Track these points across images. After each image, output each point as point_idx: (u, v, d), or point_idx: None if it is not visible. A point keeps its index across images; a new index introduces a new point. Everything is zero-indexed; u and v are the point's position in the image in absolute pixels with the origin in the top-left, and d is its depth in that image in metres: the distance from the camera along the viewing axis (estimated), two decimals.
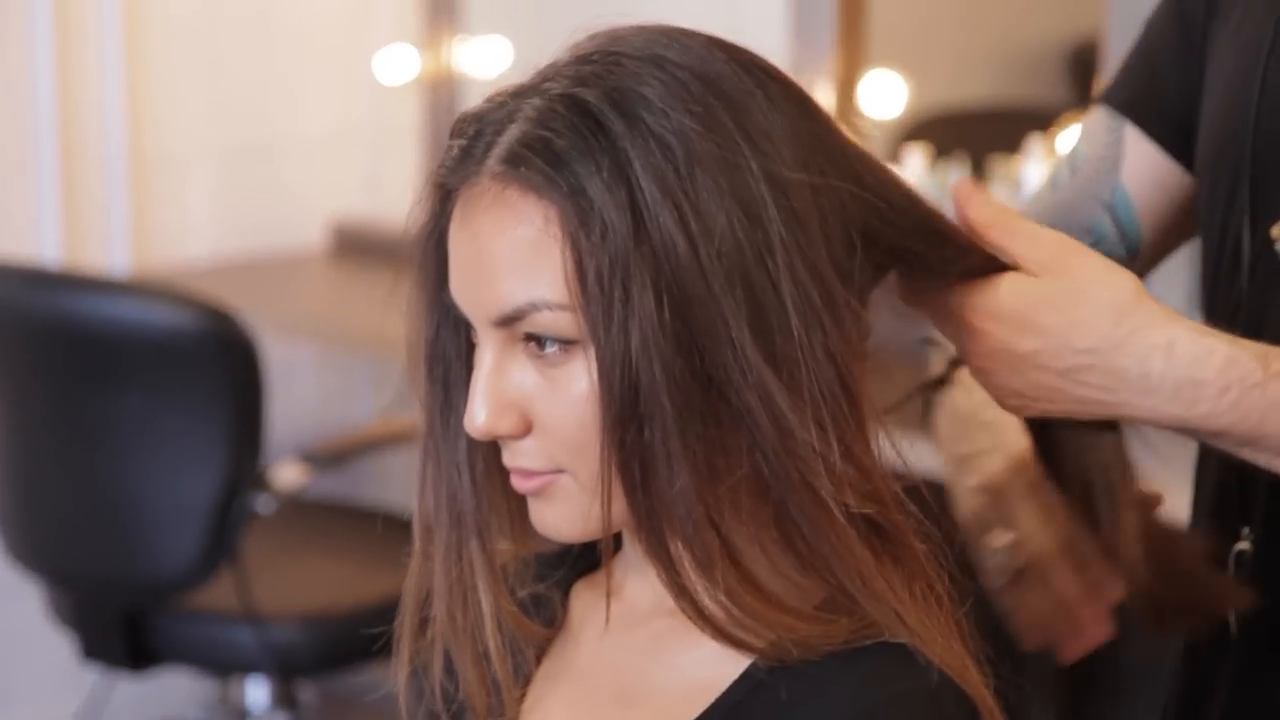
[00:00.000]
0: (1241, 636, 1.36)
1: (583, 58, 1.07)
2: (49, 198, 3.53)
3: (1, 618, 3.47)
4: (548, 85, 1.06)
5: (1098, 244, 1.48)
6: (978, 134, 3.63)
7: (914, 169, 3.48)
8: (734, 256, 1.02)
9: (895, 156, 3.55)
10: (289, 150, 3.86)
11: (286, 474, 2.92)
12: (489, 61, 3.85)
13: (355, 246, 3.89)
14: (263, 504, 2.86)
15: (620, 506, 1.06)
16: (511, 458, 1.09)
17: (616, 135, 1.03)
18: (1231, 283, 1.38)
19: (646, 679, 1.13)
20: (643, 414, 1.03)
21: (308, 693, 3.53)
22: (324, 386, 3.92)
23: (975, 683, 1.07)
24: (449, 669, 1.18)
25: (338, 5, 3.91)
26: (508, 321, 1.06)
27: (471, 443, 1.13)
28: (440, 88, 3.85)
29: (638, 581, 1.12)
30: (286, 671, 3.00)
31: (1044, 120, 3.43)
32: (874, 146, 3.22)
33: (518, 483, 1.10)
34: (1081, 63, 3.86)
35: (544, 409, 1.07)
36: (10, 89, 3.48)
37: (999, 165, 3.49)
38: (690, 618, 1.07)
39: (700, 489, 1.04)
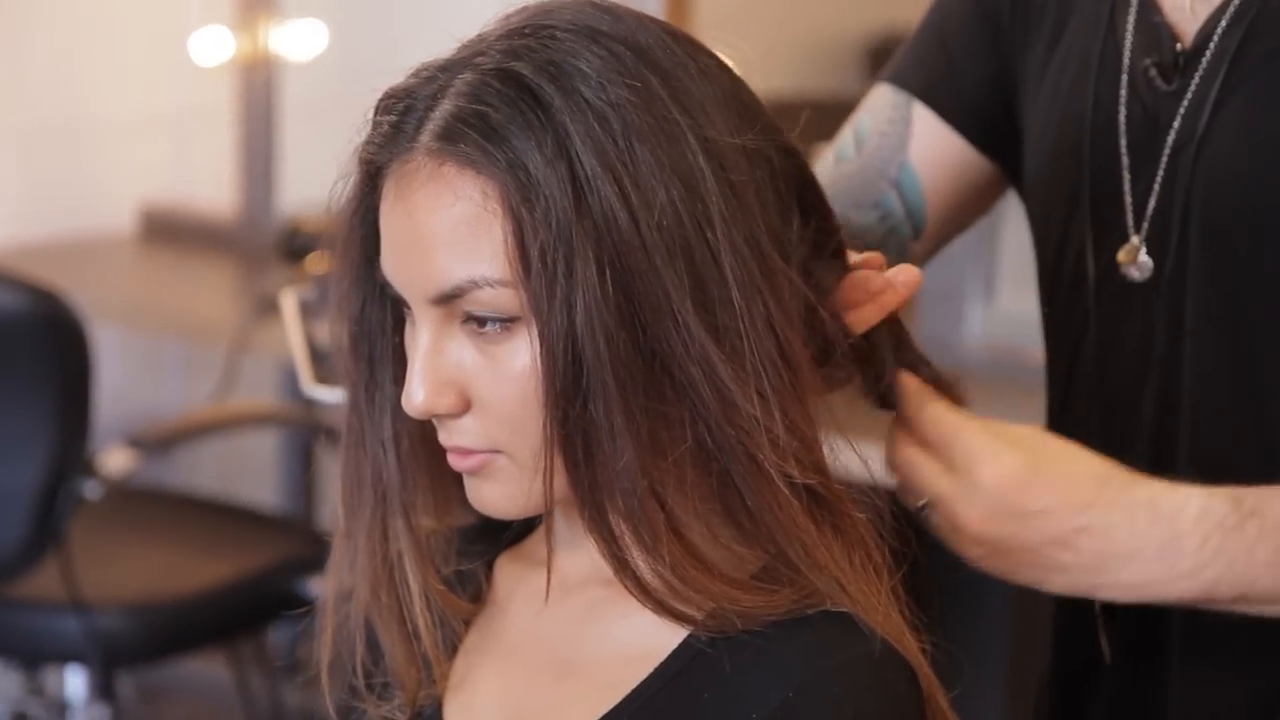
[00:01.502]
0: (1113, 664, 1.38)
1: (513, 30, 1.07)
2: None
3: None
4: (479, 59, 1.05)
5: (885, 219, 1.48)
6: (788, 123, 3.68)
7: None
8: (674, 229, 1.03)
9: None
10: (99, 132, 3.79)
11: (115, 459, 2.87)
12: (304, 44, 3.81)
13: (166, 230, 3.83)
14: (89, 489, 2.81)
15: (561, 482, 1.06)
16: (448, 436, 1.09)
17: (554, 109, 1.03)
18: (1075, 304, 1.39)
19: (581, 649, 1.13)
20: (586, 388, 1.03)
21: (126, 684, 3.47)
22: (134, 371, 3.86)
23: (913, 650, 1.09)
24: (371, 646, 1.18)
25: None
26: (446, 299, 1.05)
27: (397, 420, 1.12)
28: (255, 70, 3.81)
29: (569, 553, 1.12)
30: (110, 661, 2.95)
31: (844, 111, 3.45)
32: None
33: (455, 461, 1.10)
34: (881, 55, 3.91)
35: (483, 387, 1.07)
36: None
37: (812, 154, 3.52)
38: (631, 591, 1.07)
39: (644, 462, 1.05)
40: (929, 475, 1.17)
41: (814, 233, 1.13)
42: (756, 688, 1.06)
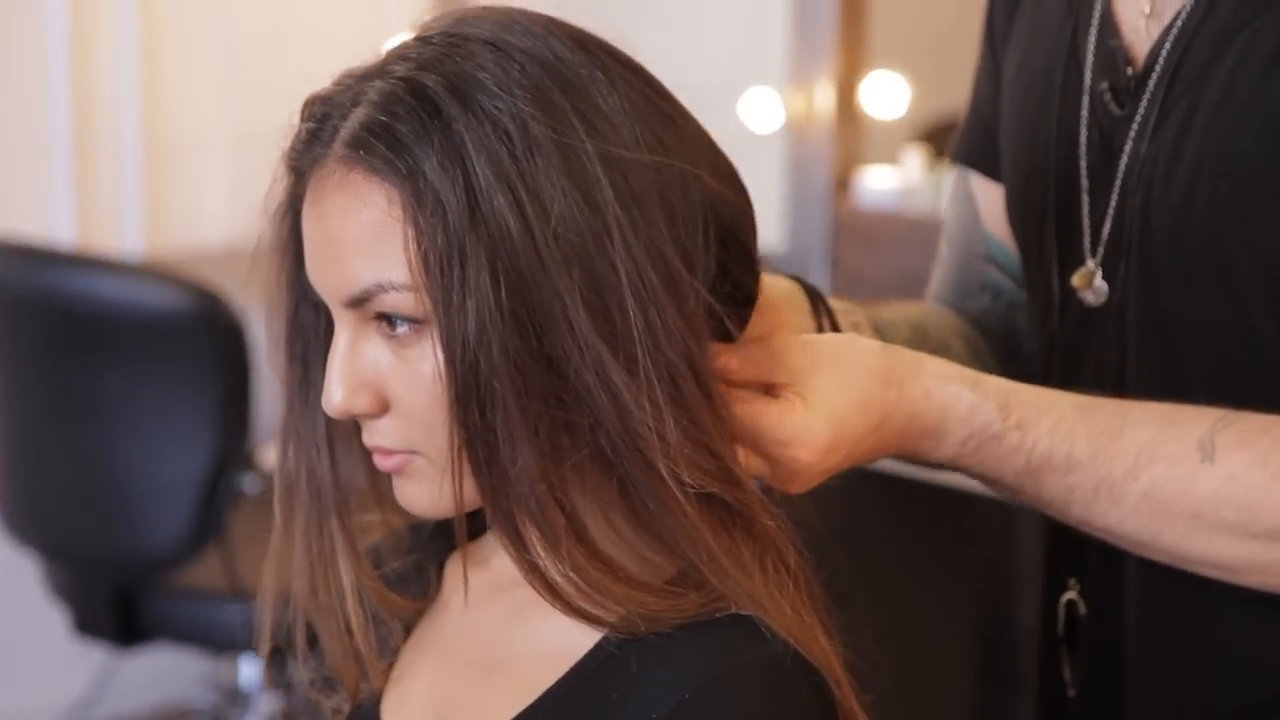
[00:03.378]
0: (1080, 695, 1.38)
1: (425, 40, 1.10)
2: (62, 181, 3.57)
3: (9, 593, 3.52)
4: (392, 67, 1.09)
5: (998, 297, 1.50)
6: None
7: (913, 170, 3.49)
8: (570, 237, 1.05)
9: (895, 158, 3.56)
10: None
11: (274, 454, 2.95)
12: None
13: None
14: (249, 483, 2.89)
15: (470, 485, 1.08)
16: (370, 436, 1.12)
17: (452, 118, 1.05)
18: (1044, 325, 1.40)
19: (507, 648, 1.16)
20: (483, 394, 1.05)
21: (302, 672, 3.55)
22: None
23: (823, 653, 1.09)
24: (312, 642, 1.21)
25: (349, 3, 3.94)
26: (357, 302, 1.08)
27: (331, 420, 1.16)
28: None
29: (503, 553, 1.14)
30: (276, 650, 3.03)
31: None
32: (874, 148, 3.21)
33: (378, 461, 1.13)
34: None
35: (397, 388, 1.10)
36: (24, 72, 3.51)
37: None
38: (540, 593, 1.09)
39: (544, 468, 1.06)
40: (754, 465, 1.17)
41: (726, 256, 1.13)
42: (659, 689, 1.07)
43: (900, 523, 2.19)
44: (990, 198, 1.49)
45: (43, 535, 2.98)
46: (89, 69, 3.60)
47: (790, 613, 1.09)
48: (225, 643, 3.03)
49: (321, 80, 1.13)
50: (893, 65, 3.50)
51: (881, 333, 1.38)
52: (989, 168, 1.48)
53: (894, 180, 3.45)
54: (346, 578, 1.19)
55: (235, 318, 2.80)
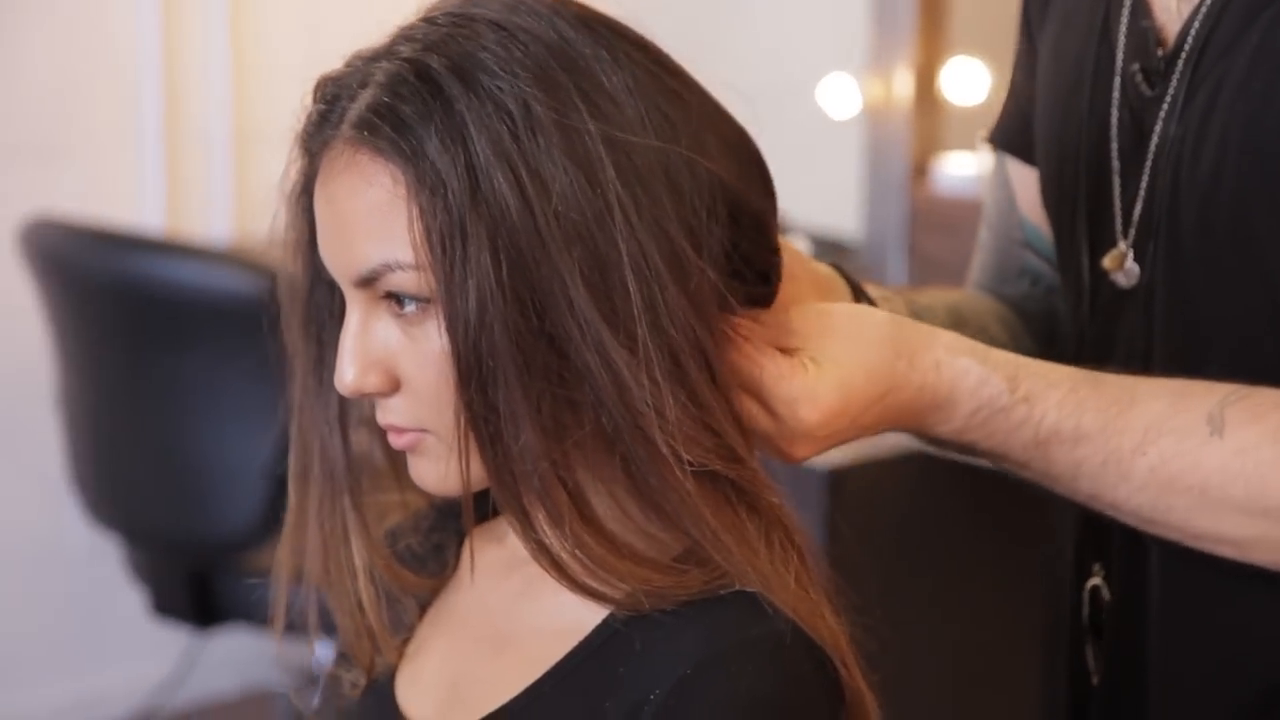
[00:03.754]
0: (1102, 683, 1.38)
1: (431, 20, 1.11)
2: (152, 168, 3.61)
3: (94, 576, 3.58)
4: (398, 48, 1.10)
5: (1036, 281, 1.49)
6: None
7: (991, 157, 3.46)
8: (571, 216, 1.05)
9: (974, 144, 3.54)
10: None
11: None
12: None
13: None
14: None
15: (478, 463, 1.09)
16: (383, 415, 1.13)
17: (453, 99, 1.06)
18: (1077, 308, 1.39)
19: (518, 622, 1.17)
20: (486, 372, 1.06)
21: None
22: None
23: (829, 630, 1.09)
24: (326, 618, 1.23)
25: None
26: (367, 282, 1.10)
27: (344, 400, 1.17)
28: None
29: None
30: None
31: None
32: (953, 134, 3.19)
33: (391, 439, 1.14)
34: None
35: (408, 367, 1.11)
36: (116, 61, 3.56)
37: None
38: (546, 570, 1.10)
39: (547, 445, 1.07)
40: (757, 421, 1.17)
41: (737, 233, 1.13)
42: (662, 665, 1.08)
43: (978, 510, 2.18)
44: (1026, 183, 1.49)
45: (122, 518, 3.01)
46: (179, 58, 3.64)
47: (795, 589, 1.09)
48: (303, 625, 3.05)
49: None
50: (973, 51, 3.48)
51: (919, 317, 1.37)
52: (1025, 152, 1.48)
53: (972, 167, 3.43)
54: (359, 556, 1.20)
55: None
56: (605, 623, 1.11)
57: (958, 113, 3.53)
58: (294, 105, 1.06)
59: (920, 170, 3.44)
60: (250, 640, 3.52)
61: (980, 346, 1.22)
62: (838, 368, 1.17)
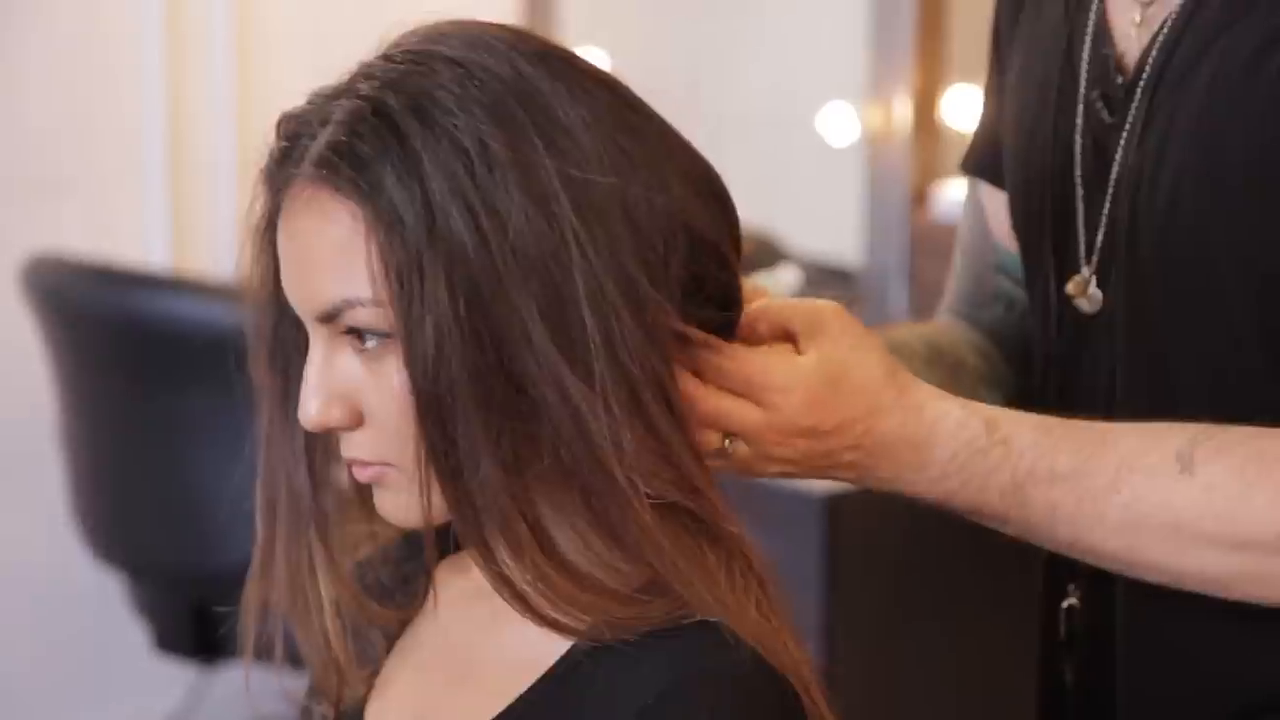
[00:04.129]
0: (1076, 702, 1.39)
1: (389, 57, 1.12)
2: (157, 204, 3.62)
3: (99, 612, 3.58)
4: (358, 85, 1.11)
5: (1010, 307, 1.50)
6: None
7: None
8: (528, 252, 1.06)
9: None
10: None
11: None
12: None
13: None
14: None
15: (439, 496, 1.10)
16: (347, 449, 1.15)
17: (410, 136, 1.07)
18: (1044, 332, 1.40)
19: (483, 654, 1.17)
20: (445, 406, 1.07)
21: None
22: None
23: (791, 658, 1.10)
24: (294, 651, 1.23)
25: (447, 10, 3.97)
26: (328, 317, 1.11)
27: (309, 434, 1.18)
28: None
29: None
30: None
31: None
32: (953, 161, 3.19)
33: (355, 472, 1.16)
34: None
35: (370, 401, 1.12)
36: (120, 97, 3.58)
37: None
38: (508, 602, 1.11)
39: (507, 478, 1.08)
40: (737, 414, 1.17)
41: (696, 265, 1.14)
42: (624, 696, 1.08)
43: (976, 532, 2.18)
44: (998, 207, 1.49)
45: (124, 553, 3.02)
46: (184, 93, 3.65)
47: (756, 618, 1.10)
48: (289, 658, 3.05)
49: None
50: (972, 78, 3.48)
51: (895, 351, 1.38)
52: (996, 177, 1.49)
53: None
54: (325, 588, 1.21)
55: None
56: (568, 654, 1.12)
57: (957, 139, 3.52)
58: None
59: (920, 197, 3.44)
60: (257, 675, 3.52)
61: (959, 398, 1.22)
62: (830, 362, 1.18)
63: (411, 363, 1.07)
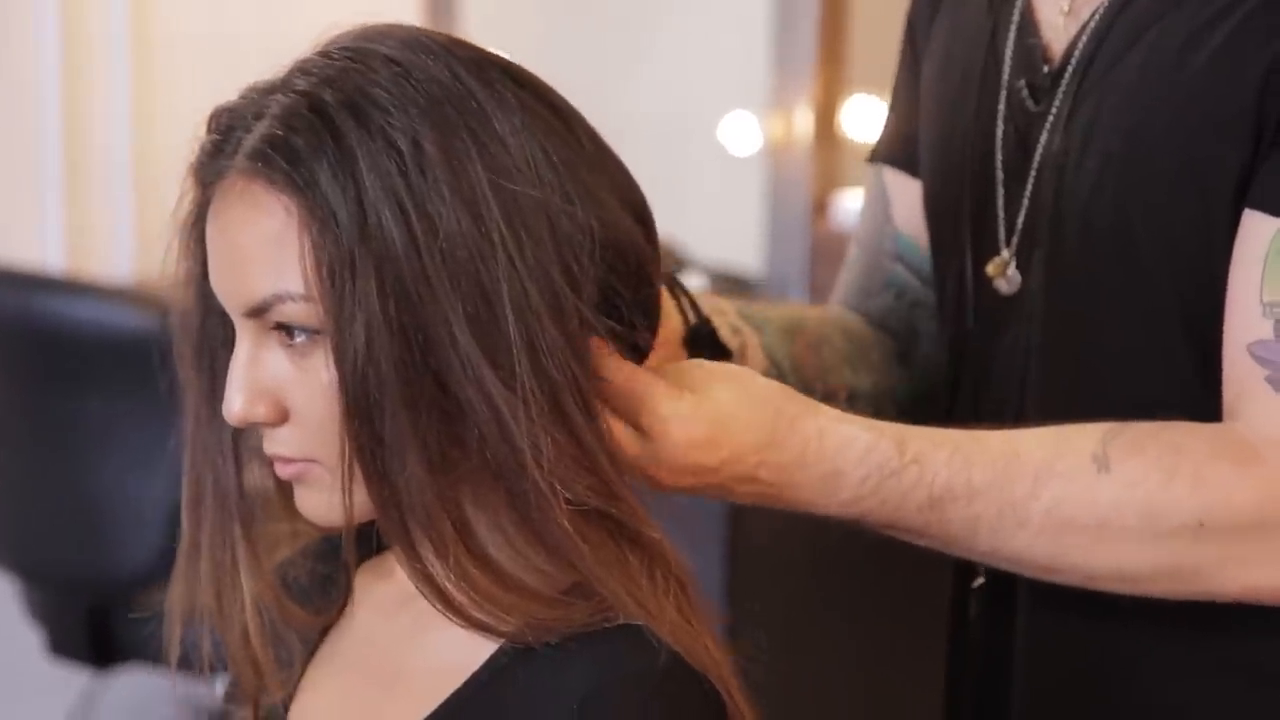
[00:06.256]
0: (977, 676, 1.42)
1: (327, 54, 1.12)
2: (53, 206, 3.59)
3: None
4: (294, 81, 1.11)
5: (901, 295, 1.52)
6: None
7: None
8: (456, 254, 1.06)
9: None
10: None
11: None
12: None
13: None
14: None
15: (363, 495, 1.10)
16: (270, 445, 1.14)
17: (345, 134, 1.07)
18: (959, 324, 1.42)
19: (408, 658, 1.17)
20: (372, 405, 1.07)
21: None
22: None
23: (711, 659, 1.10)
24: (219, 651, 1.22)
25: (348, 22, 3.96)
26: (257, 312, 1.10)
27: (236, 430, 1.17)
28: None
29: None
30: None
31: None
32: (853, 170, 3.23)
33: (278, 469, 1.15)
34: None
35: (297, 397, 1.11)
36: (16, 98, 3.54)
37: None
38: (432, 602, 1.10)
39: (433, 478, 1.08)
40: (625, 444, 1.18)
41: (617, 276, 1.14)
42: (548, 700, 1.08)
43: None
44: (905, 194, 1.51)
45: (17, 557, 2.99)
46: (80, 94, 3.62)
47: (677, 619, 1.10)
48: (201, 664, 3.02)
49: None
50: (871, 89, 3.51)
51: (750, 321, 1.39)
52: (907, 164, 1.51)
53: None
54: (247, 586, 1.20)
55: None
56: (493, 658, 1.12)
57: (857, 149, 3.55)
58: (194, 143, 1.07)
59: (821, 206, 3.47)
60: (151, 680, 3.49)
61: (865, 419, 1.23)
62: (717, 404, 1.18)
63: (341, 360, 1.07)
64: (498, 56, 1.13)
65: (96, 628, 2.97)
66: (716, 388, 1.20)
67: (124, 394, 2.81)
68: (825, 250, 3.42)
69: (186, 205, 1.16)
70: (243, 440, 1.19)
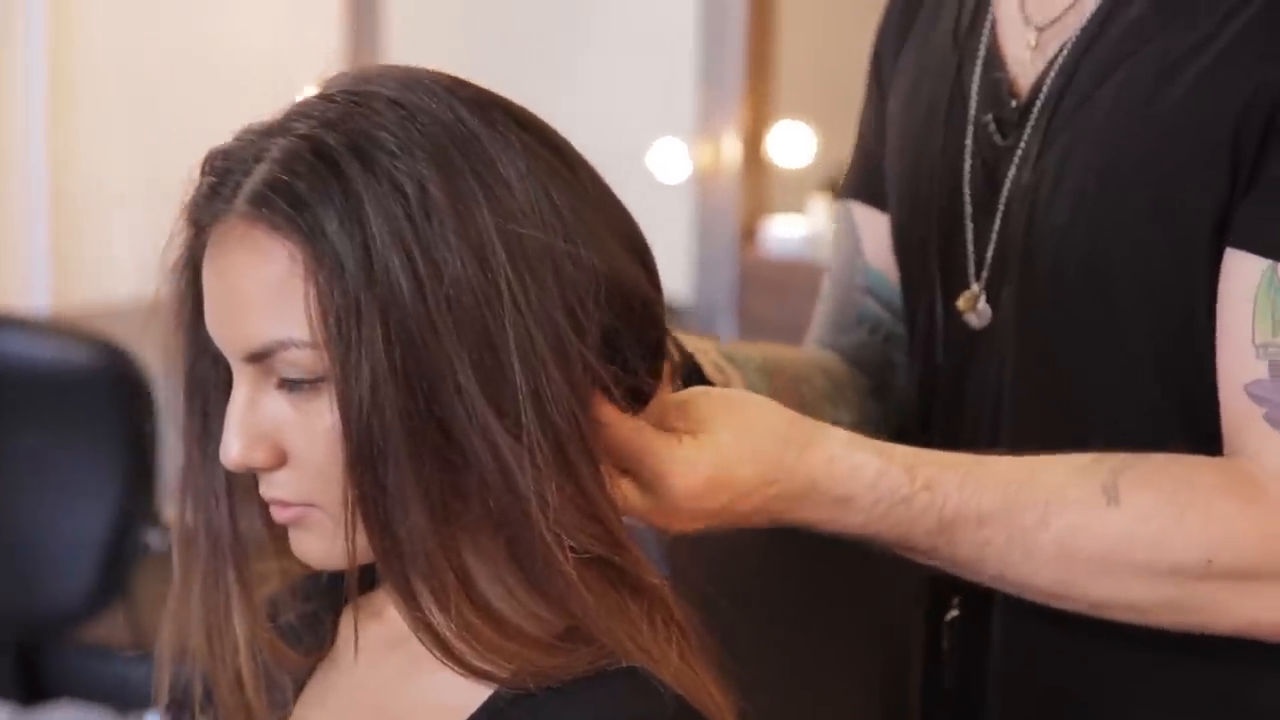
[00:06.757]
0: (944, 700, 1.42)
1: (328, 98, 1.10)
2: None
3: None
4: (294, 124, 1.08)
5: (874, 330, 1.51)
6: None
7: (819, 218, 3.51)
8: (462, 301, 1.05)
9: (802, 206, 3.58)
10: None
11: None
12: None
13: None
14: (155, 540, 2.87)
15: (365, 540, 1.08)
16: (267, 489, 1.12)
17: (351, 178, 1.05)
18: (929, 357, 1.42)
19: (399, 702, 1.15)
20: (376, 452, 1.05)
21: None
22: None
23: (714, 705, 1.09)
24: (208, 694, 1.20)
25: (268, 46, 3.94)
26: (258, 357, 1.08)
27: (230, 473, 1.15)
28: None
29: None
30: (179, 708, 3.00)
31: None
32: (781, 197, 3.24)
33: (275, 513, 1.13)
34: None
35: (296, 442, 1.09)
36: None
37: None
38: (431, 650, 1.09)
39: (436, 527, 1.06)
40: (629, 498, 1.17)
41: (623, 321, 1.13)
42: None
43: (811, 577, 2.20)
44: (874, 229, 1.50)
45: None
46: None
47: (679, 664, 1.09)
48: (131, 700, 3.00)
49: (229, 138, 1.13)
50: (799, 115, 3.52)
51: (731, 361, 1.39)
52: (875, 199, 1.50)
53: (800, 229, 3.47)
54: (241, 631, 1.18)
55: (141, 374, 2.78)
56: (490, 701, 1.10)
57: (784, 176, 3.57)
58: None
59: (749, 233, 3.48)
60: (78, 716, 3.45)
61: (877, 442, 1.23)
62: (718, 446, 1.18)
63: (345, 407, 1.05)
64: (500, 98, 1.12)
65: (24, 665, 2.93)
66: (719, 425, 1.19)
67: (55, 428, 2.79)
68: (753, 277, 3.43)
69: (177, 247, 1.14)
70: (237, 483, 1.17)
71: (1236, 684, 1.29)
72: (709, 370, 1.35)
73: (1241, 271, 1.22)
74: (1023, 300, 1.32)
